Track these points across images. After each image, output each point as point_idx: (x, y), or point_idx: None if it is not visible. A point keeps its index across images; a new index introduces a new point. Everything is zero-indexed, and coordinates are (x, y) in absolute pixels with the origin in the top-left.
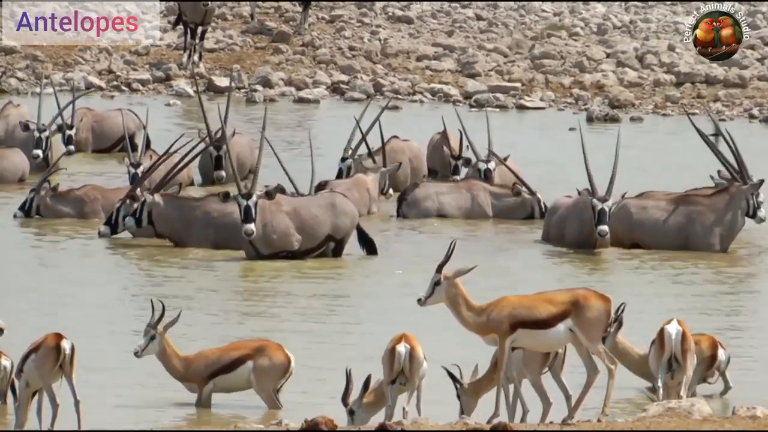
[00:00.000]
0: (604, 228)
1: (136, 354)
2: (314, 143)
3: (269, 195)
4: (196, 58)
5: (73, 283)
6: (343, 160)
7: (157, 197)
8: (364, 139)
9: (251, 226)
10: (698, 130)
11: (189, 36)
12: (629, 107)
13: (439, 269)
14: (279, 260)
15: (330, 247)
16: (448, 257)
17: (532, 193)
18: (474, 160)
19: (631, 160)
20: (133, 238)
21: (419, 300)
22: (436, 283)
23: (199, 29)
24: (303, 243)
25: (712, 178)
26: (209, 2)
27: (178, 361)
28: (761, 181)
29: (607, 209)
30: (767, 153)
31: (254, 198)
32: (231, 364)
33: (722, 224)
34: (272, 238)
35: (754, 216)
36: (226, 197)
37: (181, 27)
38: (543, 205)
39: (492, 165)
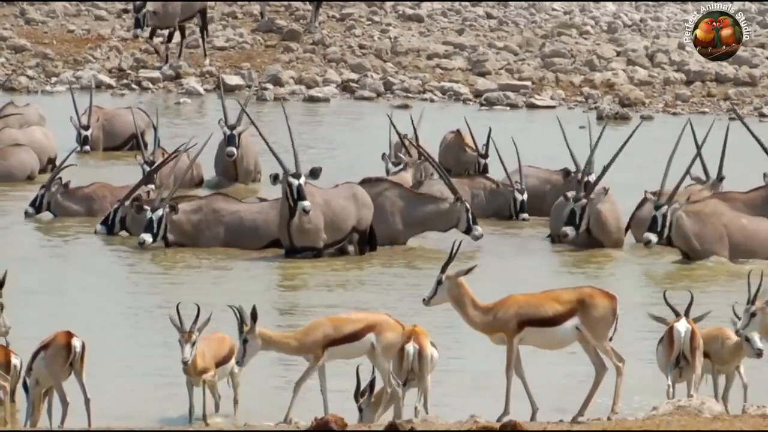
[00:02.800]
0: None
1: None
2: (325, 142)
3: (314, 174)
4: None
5: (83, 280)
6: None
7: (174, 209)
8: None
9: (307, 203)
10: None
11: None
12: (639, 106)
13: (442, 269)
14: (302, 260)
15: (354, 239)
16: (452, 257)
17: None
18: (573, 171)
19: (642, 156)
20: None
21: (424, 300)
22: (439, 283)
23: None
24: (330, 236)
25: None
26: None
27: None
28: None
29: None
30: None
31: (303, 178)
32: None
33: None
34: (306, 228)
35: None
36: (275, 179)
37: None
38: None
39: (593, 177)
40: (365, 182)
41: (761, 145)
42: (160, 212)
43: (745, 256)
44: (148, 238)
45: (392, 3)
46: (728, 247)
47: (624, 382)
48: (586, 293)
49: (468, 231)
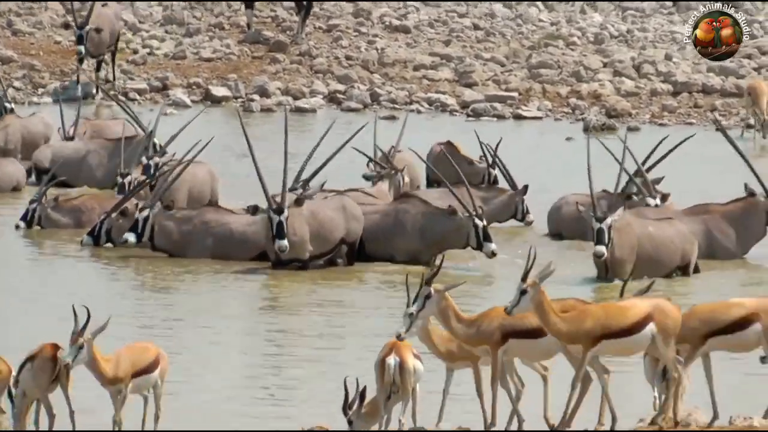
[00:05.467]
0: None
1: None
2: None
3: (299, 202)
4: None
5: (69, 291)
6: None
7: (160, 210)
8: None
9: (285, 243)
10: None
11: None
12: (626, 117)
13: (428, 282)
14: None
15: (342, 251)
16: (438, 269)
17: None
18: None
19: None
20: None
21: (411, 314)
22: (427, 297)
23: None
24: (317, 247)
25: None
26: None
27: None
28: None
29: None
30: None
31: (286, 213)
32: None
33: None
34: (292, 241)
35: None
36: (255, 211)
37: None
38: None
39: (658, 201)
40: (401, 197)
41: (742, 156)
42: (146, 212)
43: (653, 265)
44: (131, 237)
45: (379, 14)
46: (634, 260)
47: (609, 394)
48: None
49: (479, 247)
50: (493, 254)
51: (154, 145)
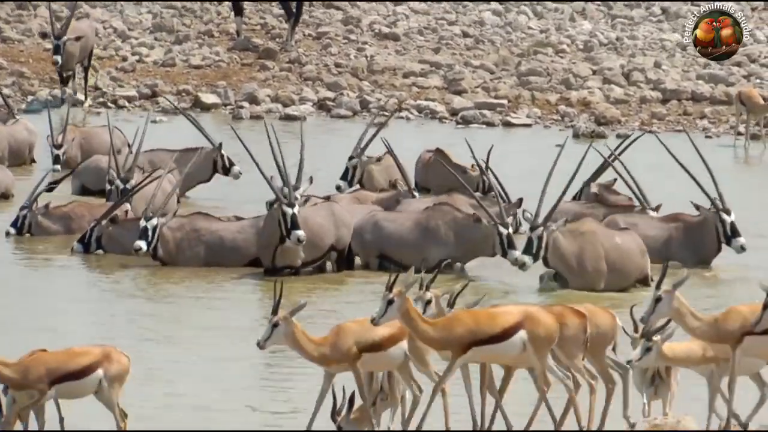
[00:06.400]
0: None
1: None
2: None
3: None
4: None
5: (60, 298)
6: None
7: (170, 219)
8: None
9: (301, 232)
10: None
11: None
12: (615, 124)
13: (389, 288)
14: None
15: (333, 257)
16: (396, 276)
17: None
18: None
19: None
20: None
21: (372, 320)
22: (389, 302)
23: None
24: (308, 254)
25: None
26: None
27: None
28: None
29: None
30: (754, 169)
31: (297, 207)
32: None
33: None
34: (288, 248)
35: None
36: (272, 205)
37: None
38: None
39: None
40: (434, 205)
41: (680, 164)
42: (154, 221)
43: (618, 275)
44: (143, 245)
45: (368, 21)
46: (605, 269)
47: (596, 401)
48: (556, 312)
49: (504, 255)
50: (517, 261)
51: (222, 156)
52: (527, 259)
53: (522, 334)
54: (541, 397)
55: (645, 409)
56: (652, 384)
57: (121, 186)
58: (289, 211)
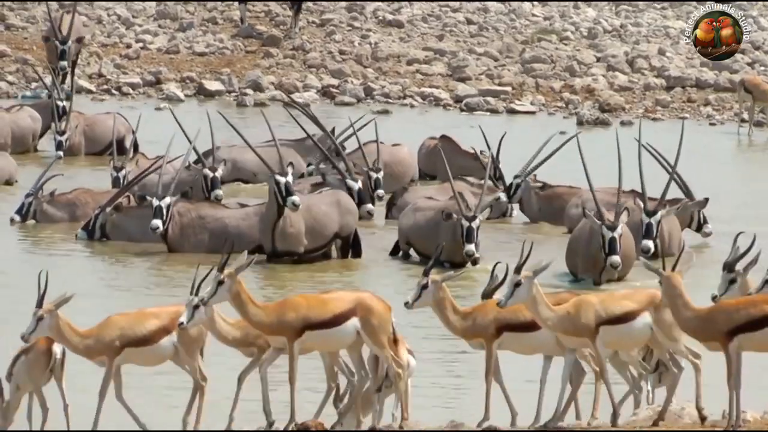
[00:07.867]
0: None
1: None
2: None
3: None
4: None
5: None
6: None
7: (178, 199)
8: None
9: (297, 198)
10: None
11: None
12: (619, 111)
13: (426, 273)
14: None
15: (337, 244)
16: (436, 261)
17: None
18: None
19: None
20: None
21: (406, 303)
22: (424, 287)
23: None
24: (312, 242)
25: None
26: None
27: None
28: None
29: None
30: (757, 155)
31: (290, 176)
32: None
33: None
34: (289, 233)
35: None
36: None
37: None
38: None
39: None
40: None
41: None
42: (167, 200)
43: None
44: (159, 223)
45: (372, 8)
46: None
47: (601, 389)
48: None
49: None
50: (467, 255)
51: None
52: (651, 244)
53: (354, 321)
54: (402, 389)
55: (649, 397)
56: (655, 371)
57: (115, 174)
58: (282, 179)
